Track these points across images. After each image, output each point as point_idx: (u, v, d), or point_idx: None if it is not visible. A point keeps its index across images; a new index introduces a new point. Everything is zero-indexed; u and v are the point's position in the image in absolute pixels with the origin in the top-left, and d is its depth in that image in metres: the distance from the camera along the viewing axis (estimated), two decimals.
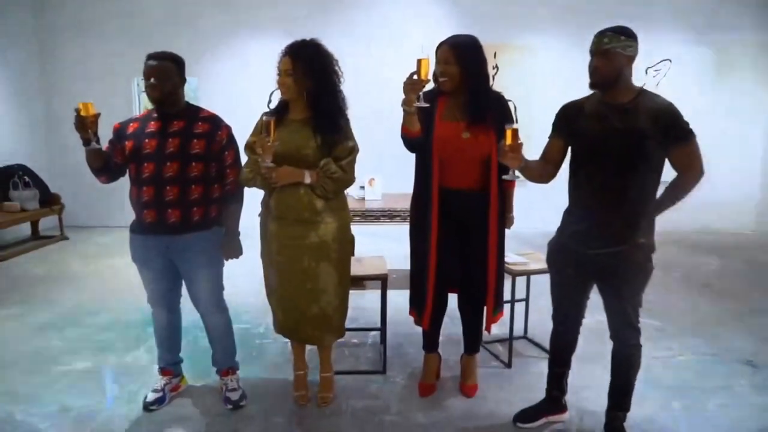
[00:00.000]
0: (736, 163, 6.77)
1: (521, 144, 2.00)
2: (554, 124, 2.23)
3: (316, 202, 2.36)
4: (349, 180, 2.41)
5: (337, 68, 2.37)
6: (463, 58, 2.34)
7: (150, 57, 2.32)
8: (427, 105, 2.24)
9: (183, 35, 6.24)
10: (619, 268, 2.08)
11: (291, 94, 2.34)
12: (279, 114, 2.41)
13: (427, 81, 2.18)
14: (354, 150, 2.39)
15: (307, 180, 2.32)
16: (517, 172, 2.08)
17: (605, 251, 2.07)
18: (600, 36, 1.99)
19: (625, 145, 1.99)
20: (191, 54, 6.11)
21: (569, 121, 2.15)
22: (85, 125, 2.19)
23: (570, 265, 2.21)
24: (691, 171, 2.01)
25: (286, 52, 2.32)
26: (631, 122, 1.98)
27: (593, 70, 2.01)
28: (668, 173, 2.05)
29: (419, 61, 2.12)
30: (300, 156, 2.34)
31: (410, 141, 2.41)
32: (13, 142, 6.12)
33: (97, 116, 2.21)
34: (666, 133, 1.96)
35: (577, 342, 2.40)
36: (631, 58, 2.00)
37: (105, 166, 2.36)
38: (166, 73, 2.29)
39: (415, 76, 2.13)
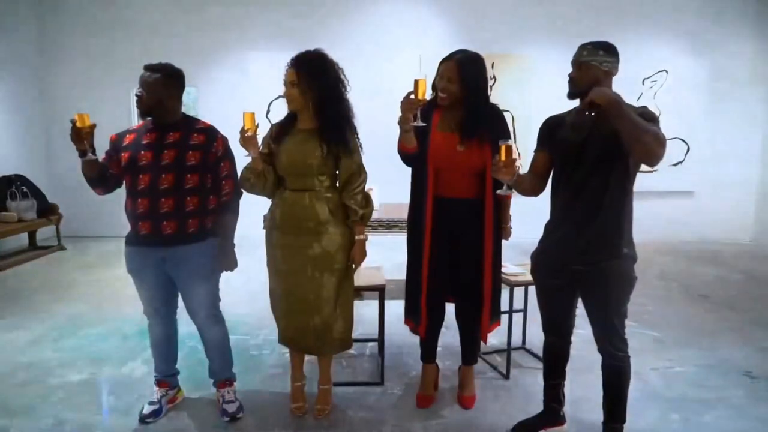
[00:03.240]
0: (733, 173, 6.82)
1: (515, 159, 2.03)
2: (538, 138, 2.27)
3: (320, 211, 2.38)
4: (372, 206, 2.52)
5: (342, 76, 2.40)
6: (466, 77, 2.36)
7: (144, 68, 2.32)
8: (424, 125, 2.29)
9: (182, 45, 6.28)
10: (603, 279, 2.09)
11: (297, 105, 2.37)
12: (287, 125, 2.46)
13: (425, 101, 2.22)
14: (362, 172, 2.45)
15: (363, 237, 2.49)
16: (507, 187, 2.11)
17: (589, 262, 2.08)
18: (581, 48, 2.05)
19: (602, 150, 2.01)
20: (190, 64, 6.13)
21: (551, 133, 2.20)
22: (81, 136, 2.18)
23: (554, 276, 2.22)
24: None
25: (291, 63, 2.35)
26: (605, 128, 1.99)
27: (569, 80, 2.08)
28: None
29: (416, 82, 2.16)
30: (306, 165, 2.36)
31: (407, 156, 2.44)
32: (11, 152, 6.13)
33: (93, 127, 2.21)
34: None
35: (569, 352, 2.40)
36: (608, 73, 2.04)
37: (101, 178, 2.36)
38: (152, 86, 2.29)
39: (413, 96, 2.17)
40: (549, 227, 2.25)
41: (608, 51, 2.03)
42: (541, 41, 6.54)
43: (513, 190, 2.13)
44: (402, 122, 2.27)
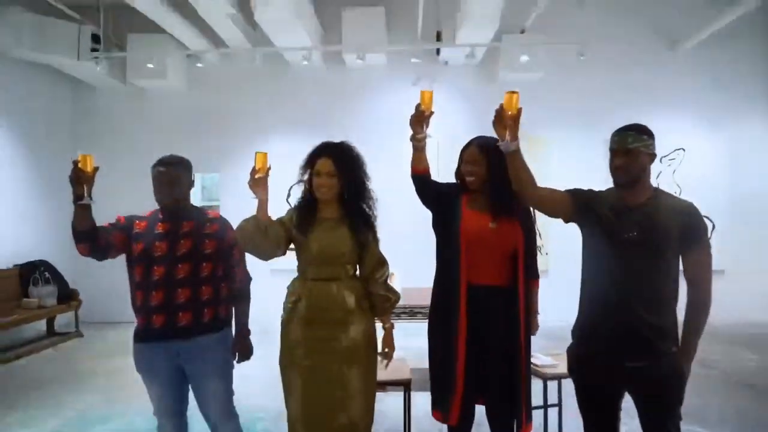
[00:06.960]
0: (764, 249, 6.60)
1: (521, 109, 2.03)
2: (576, 189, 2.16)
3: (348, 300, 2.32)
4: (398, 294, 2.47)
5: (366, 169, 2.42)
6: (490, 157, 2.37)
7: (160, 163, 2.31)
8: (430, 136, 2.35)
9: (207, 132, 6.53)
10: (655, 381, 1.93)
11: (331, 194, 2.34)
12: (310, 213, 2.39)
13: (431, 112, 2.28)
14: (385, 265, 2.44)
15: (390, 325, 2.45)
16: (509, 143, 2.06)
17: (644, 359, 1.93)
18: (623, 134, 1.96)
19: (646, 244, 1.92)
20: (214, 151, 6.35)
21: (589, 201, 2.10)
22: (82, 179, 2.09)
23: (601, 377, 2.05)
24: (698, 287, 1.95)
25: (325, 152, 2.35)
26: (651, 221, 1.93)
27: (617, 169, 1.98)
28: None
29: (423, 93, 2.23)
30: (338, 254, 2.33)
31: (420, 180, 2.46)
32: (39, 239, 6.23)
33: (95, 171, 2.13)
34: (683, 232, 1.91)
35: None
36: (653, 156, 1.99)
37: (92, 232, 2.18)
38: (176, 179, 2.30)
39: (421, 107, 2.24)
40: (590, 320, 2.09)
41: (650, 134, 1.97)
42: (559, 123, 6.61)
43: (514, 147, 2.07)
44: (413, 135, 2.32)
